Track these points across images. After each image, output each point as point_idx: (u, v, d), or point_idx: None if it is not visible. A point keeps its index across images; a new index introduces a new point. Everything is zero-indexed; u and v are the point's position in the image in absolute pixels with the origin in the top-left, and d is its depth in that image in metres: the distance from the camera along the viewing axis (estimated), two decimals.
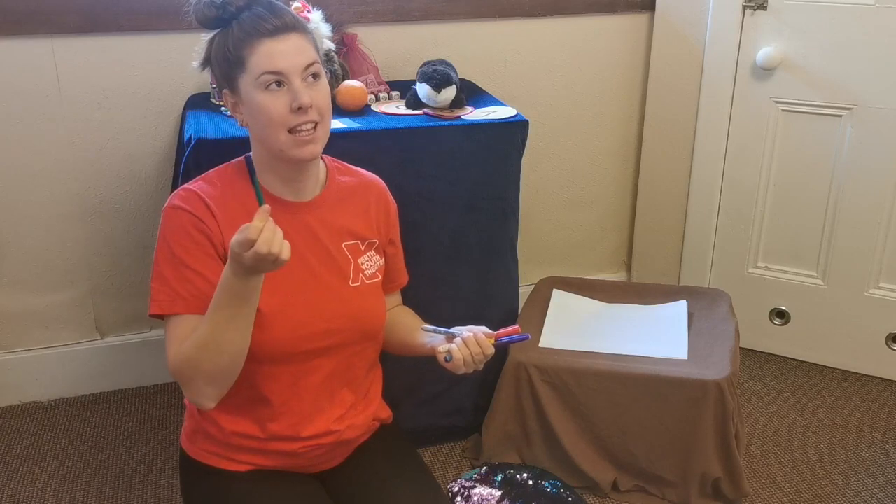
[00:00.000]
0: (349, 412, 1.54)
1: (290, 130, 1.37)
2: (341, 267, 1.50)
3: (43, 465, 2.18)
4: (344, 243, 1.51)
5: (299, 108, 1.36)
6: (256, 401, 1.46)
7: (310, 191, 1.49)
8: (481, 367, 1.44)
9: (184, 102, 2.22)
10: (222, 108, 2.06)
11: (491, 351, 1.44)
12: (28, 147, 2.20)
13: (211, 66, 1.45)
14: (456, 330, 1.47)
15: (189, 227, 1.39)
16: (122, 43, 2.17)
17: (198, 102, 2.15)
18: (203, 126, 1.93)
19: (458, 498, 1.97)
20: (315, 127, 1.39)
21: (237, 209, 1.43)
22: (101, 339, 2.46)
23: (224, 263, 1.36)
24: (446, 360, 1.43)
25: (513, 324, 2.18)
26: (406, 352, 1.60)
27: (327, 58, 1.94)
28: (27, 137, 2.19)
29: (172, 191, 2.20)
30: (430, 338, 1.51)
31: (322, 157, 1.55)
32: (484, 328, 1.46)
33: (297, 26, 1.38)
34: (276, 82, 1.36)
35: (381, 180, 1.63)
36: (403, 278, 1.71)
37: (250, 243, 1.20)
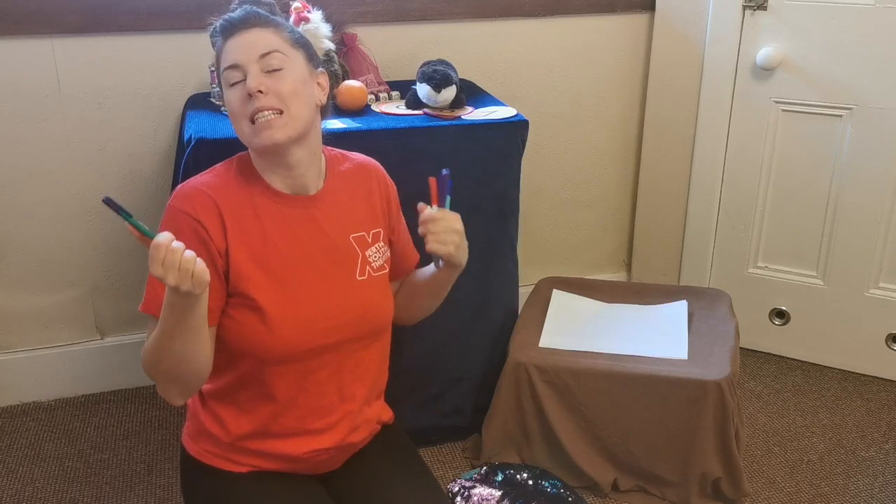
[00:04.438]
0: (360, 413, 1.53)
1: (251, 120, 1.38)
2: (348, 260, 1.50)
3: (43, 465, 2.18)
4: (351, 235, 1.51)
5: (249, 95, 1.36)
6: (263, 398, 1.46)
7: (312, 184, 1.48)
8: (455, 237, 1.46)
9: (184, 102, 2.22)
10: (222, 109, 2.06)
11: (434, 215, 1.44)
12: (28, 147, 2.20)
13: None
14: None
15: (185, 229, 1.37)
16: (122, 43, 2.17)
17: (198, 102, 2.15)
18: (203, 126, 1.93)
19: (458, 498, 1.97)
20: (279, 114, 1.37)
21: (245, 205, 1.42)
22: (101, 339, 2.46)
23: (219, 262, 1.38)
24: (439, 265, 1.50)
25: (513, 324, 2.19)
26: (436, 296, 1.64)
27: (327, 58, 1.94)
28: (27, 137, 2.19)
29: (172, 191, 2.22)
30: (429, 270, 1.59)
31: (323, 150, 1.54)
32: (424, 211, 1.46)
33: (259, 22, 1.40)
34: (237, 77, 1.38)
35: (376, 162, 1.62)
36: (415, 257, 1.69)
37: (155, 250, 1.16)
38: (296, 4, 2.00)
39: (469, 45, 2.46)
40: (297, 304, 1.43)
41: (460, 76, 2.15)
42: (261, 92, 1.36)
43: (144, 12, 2.15)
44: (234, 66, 1.38)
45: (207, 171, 1.48)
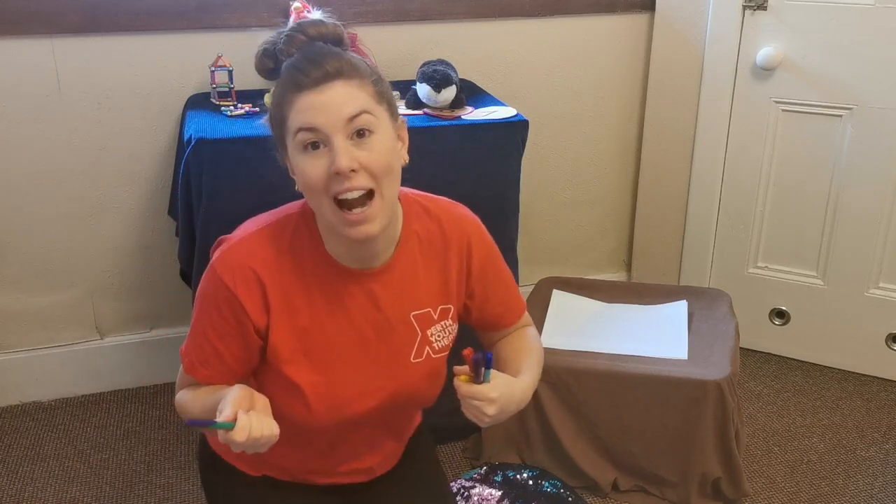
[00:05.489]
0: (389, 456, 1.49)
1: (338, 202, 1.17)
2: (404, 341, 1.34)
3: (43, 465, 2.18)
4: (412, 313, 1.33)
5: (337, 174, 1.14)
6: (296, 446, 1.38)
7: (381, 256, 1.29)
8: (486, 418, 1.23)
9: (184, 102, 2.22)
10: (222, 108, 2.06)
11: (465, 393, 1.22)
12: (28, 147, 2.20)
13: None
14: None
15: (221, 303, 1.25)
16: (122, 43, 2.17)
17: (198, 102, 2.15)
18: (203, 126, 1.92)
19: (458, 498, 1.97)
20: (369, 198, 1.17)
21: (296, 280, 1.27)
22: (101, 339, 2.45)
23: (253, 340, 1.27)
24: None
25: None
26: None
27: None
28: (27, 137, 2.19)
29: (172, 191, 2.22)
30: None
31: (400, 198, 1.31)
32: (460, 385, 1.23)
33: (342, 72, 1.17)
34: (313, 142, 1.16)
35: (460, 216, 1.39)
36: (516, 307, 1.47)
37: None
38: (296, 4, 2.00)
39: (469, 45, 2.46)
40: (339, 386, 1.30)
41: (460, 76, 2.15)
42: (353, 171, 1.15)
43: (144, 12, 2.15)
44: (312, 129, 1.15)
45: (261, 224, 1.29)
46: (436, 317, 1.36)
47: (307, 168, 1.17)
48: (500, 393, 1.23)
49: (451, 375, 1.28)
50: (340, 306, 1.29)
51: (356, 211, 1.17)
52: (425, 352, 1.35)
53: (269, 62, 1.24)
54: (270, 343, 1.28)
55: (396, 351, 1.34)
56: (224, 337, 1.27)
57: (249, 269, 1.24)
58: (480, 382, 1.22)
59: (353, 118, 1.15)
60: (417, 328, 1.34)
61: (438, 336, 1.36)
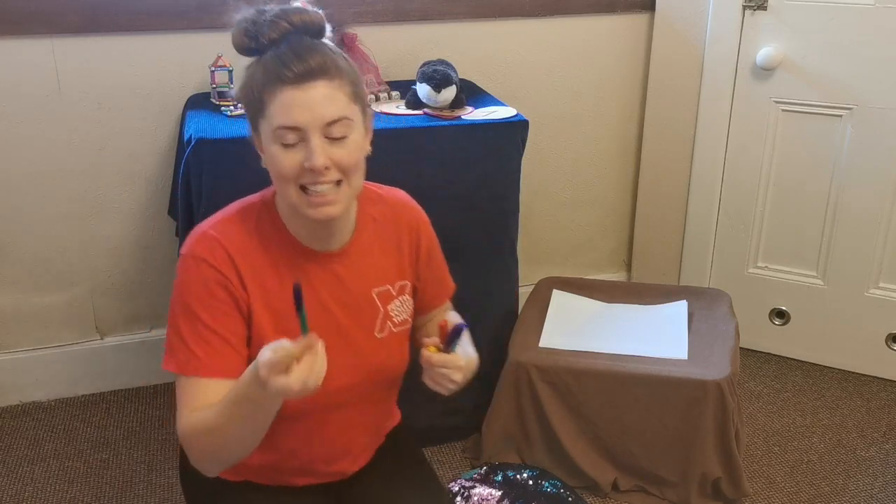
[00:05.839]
0: (364, 452, 1.51)
1: (303, 188, 1.25)
2: (369, 317, 1.41)
3: (43, 465, 2.18)
4: (374, 290, 1.41)
5: (311, 170, 1.22)
6: (271, 448, 1.38)
7: (341, 238, 1.37)
8: (451, 385, 1.32)
9: (184, 102, 2.22)
10: (222, 108, 2.06)
11: (434, 361, 1.30)
12: (28, 147, 2.20)
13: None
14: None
15: (210, 282, 1.27)
16: (122, 43, 2.17)
17: (198, 102, 2.15)
18: (203, 126, 1.93)
19: (458, 498, 1.96)
20: (336, 185, 1.25)
21: (264, 261, 1.32)
22: (101, 339, 2.45)
23: (245, 316, 1.29)
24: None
25: (512, 324, 2.19)
26: None
27: None
28: (27, 137, 2.19)
29: (172, 191, 2.22)
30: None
31: None
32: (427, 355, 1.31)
33: (326, 71, 1.22)
34: (292, 139, 1.22)
35: (409, 202, 1.51)
36: (447, 289, 1.59)
37: (279, 368, 1.09)
38: (296, 4, 2.00)
39: (469, 45, 2.46)
40: None
41: (460, 76, 2.15)
42: (326, 168, 1.23)
43: (144, 12, 2.15)
44: (293, 128, 1.21)
45: (227, 214, 1.35)
46: (394, 292, 1.44)
47: (282, 159, 1.24)
48: (466, 361, 1.34)
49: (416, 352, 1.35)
50: (308, 286, 1.33)
51: (320, 190, 1.25)
52: (387, 326, 1.42)
53: (249, 41, 1.27)
54: (255, 324, 1.31)
55: (362, 327, 1.40)
56: (225, 319, 1.28)
57: (224, 249, 1.29)
58: (449, 353, 1.31)
59: (331, 123, 1.22)
60: (379, 304, 1.42)
61: (397, 311, 1.44)
